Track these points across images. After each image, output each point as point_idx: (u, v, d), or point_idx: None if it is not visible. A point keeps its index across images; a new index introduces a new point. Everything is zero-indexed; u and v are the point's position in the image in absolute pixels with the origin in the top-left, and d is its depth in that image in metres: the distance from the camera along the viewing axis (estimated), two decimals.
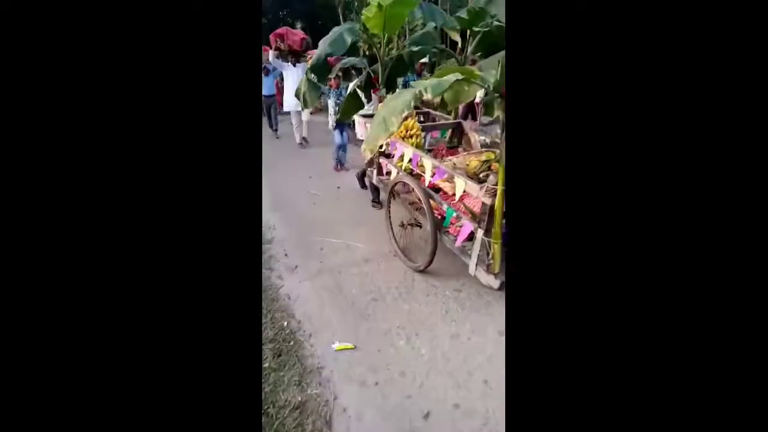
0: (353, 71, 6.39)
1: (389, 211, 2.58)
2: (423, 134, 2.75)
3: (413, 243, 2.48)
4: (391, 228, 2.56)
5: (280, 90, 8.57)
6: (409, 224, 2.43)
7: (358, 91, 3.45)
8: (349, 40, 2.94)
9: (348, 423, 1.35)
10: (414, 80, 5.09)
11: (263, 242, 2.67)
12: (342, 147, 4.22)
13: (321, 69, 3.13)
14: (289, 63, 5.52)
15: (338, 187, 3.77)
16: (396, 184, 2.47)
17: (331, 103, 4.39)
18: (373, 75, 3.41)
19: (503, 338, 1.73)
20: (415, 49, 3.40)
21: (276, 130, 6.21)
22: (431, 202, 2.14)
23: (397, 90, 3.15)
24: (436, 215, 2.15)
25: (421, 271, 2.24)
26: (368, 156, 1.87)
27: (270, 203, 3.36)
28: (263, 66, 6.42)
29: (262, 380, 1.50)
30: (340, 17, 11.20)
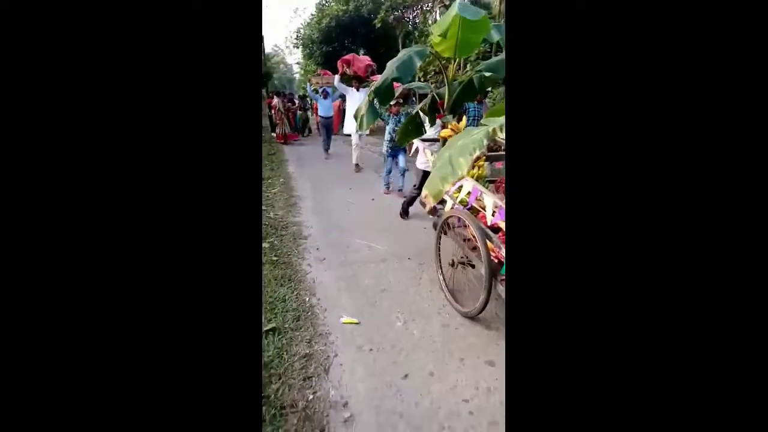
0: (414, 97, 6.30)
1: (439, 245, 2.35)
2: (486, 164, 2.43)
3: (464, 283, 2.25)
4: (440, 264, 2.33)
5: (341, 113, 9.24)
6: (460, 263, 2.16)
7: (421, 115, 3.21)
8: (418, 63, 2.71)
9: (341, 374, 1.67)
10: (473, 107, 4.86)
11: (300, 237, 3.15)
12: (402, 171, 4.22)
13: (385, 92, 2.83)
14: (353, 88, 5.75)
15: (372, 199, 4.22)
16: (450, 217, 2.20)
17: (388, 128, 4.23)
18: (438, 99, 3.17)
19: (488, 332, 1.95)
20: (487, 74, 3.07)
21: (327, 150, 6.64)
22: (489, 243, 1.84)
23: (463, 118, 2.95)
24: (492, 258, 1.81)
25: (472, 318, 2.00)
26: (430, 203, 1.66)
27: (311, 209, 3.88)
28: (323, 89, 7.09)
29: (281, 336, 1.89)
30: (400, 46, 11.94)
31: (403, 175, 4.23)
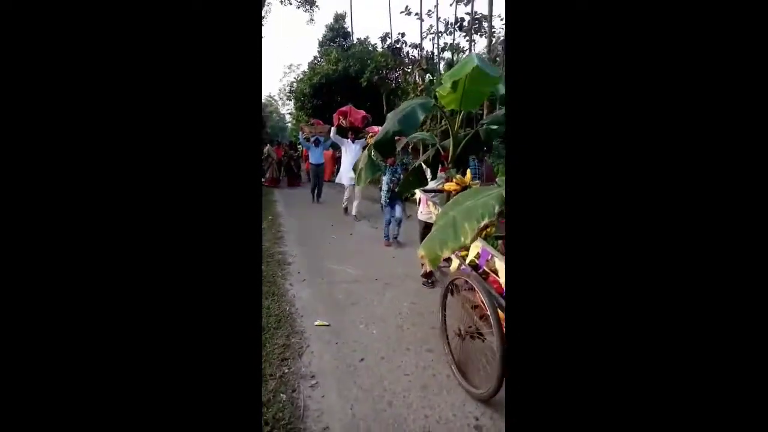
0: (408, 149, 6.54)
1: (444, 312, 2.07)
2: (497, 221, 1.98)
3: (473, 356, 1.96)
4: (446, 334, 2.02)
5: (335, 161, 9.53)
6: (468, 334, 1.88)
7: (423, 167, 3.09)
8: (421, 116, 2.55)
9: (312, 358, 2.12)
10: (474, 165, 4.00)
11: (284, 264, 3.64)
12: (398, 221, 4.19)
13: (386, 146, 2.64)
14: (348, 140, 5.76)
15: (350, 234, 4.78)
16: (456, 278, 1.95)
17: (385, 179, 4.13)
18: (442, 152, 3.00)
19: (433, 330, 2.43)
20: (494, 127, 2.94)
21: (316, 196, 6.76)
22: (500, 313, 1.56)
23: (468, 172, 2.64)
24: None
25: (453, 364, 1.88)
26: (429, 267, 1.44)
27: (296, 241, 4.41)
28: (315, 138, 7.31)
29: (265, 332, 2.33)
30: (384, 102, 13.06)
31: (399, 225, 4.22)
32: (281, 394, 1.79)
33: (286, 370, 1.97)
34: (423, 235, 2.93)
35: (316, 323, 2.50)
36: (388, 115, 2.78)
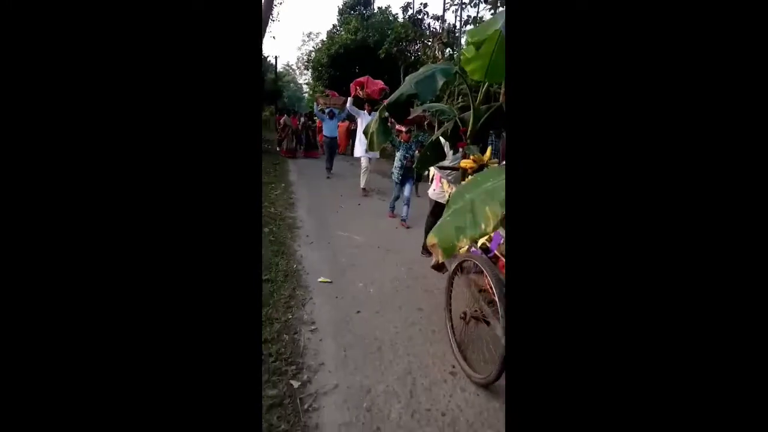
0: (427, 125, 5.92)
1: (450, 292, 2.05)
2: None
3: (476, 340, 1.95)
4: (450, 314, 2.02)
5: (349, 133, 9.39)
6: (473, 317, 1.85)
7: (442, 141, 2.87)
8: (441, 82, 2.32)
9: (313, 308, 2.37)
10: (492, 140, 3.74)
11: (294, 227, 3.89)
12: (406, 201, 4.07)
13: (400, 108, 2.40)
14: (364, 111, 5.64)
15: (358, 204, 4.99)
16: (465, 260, 1.91)
17: (398, 155, 4.05)
18: (461, 126, 2.78)
19: (426, 293, 2.65)
20: None
21: (329, 169, 6.79)
22: None
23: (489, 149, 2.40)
24: None
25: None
26: (438, 257, 1.29)
27: (306, 208, 4.65)
28: (330, 110, 7.29)
29: (273, 284, 2.59)
30: (401, 75, 12.84)
31: (407, 204, 4.11)
32: (284, 335, 2.05)
33: (290, 317, 2.23)
34: (434, 215, 2.86)
35: (320, 280, 2.75)
36: (406, 78, 2.55)
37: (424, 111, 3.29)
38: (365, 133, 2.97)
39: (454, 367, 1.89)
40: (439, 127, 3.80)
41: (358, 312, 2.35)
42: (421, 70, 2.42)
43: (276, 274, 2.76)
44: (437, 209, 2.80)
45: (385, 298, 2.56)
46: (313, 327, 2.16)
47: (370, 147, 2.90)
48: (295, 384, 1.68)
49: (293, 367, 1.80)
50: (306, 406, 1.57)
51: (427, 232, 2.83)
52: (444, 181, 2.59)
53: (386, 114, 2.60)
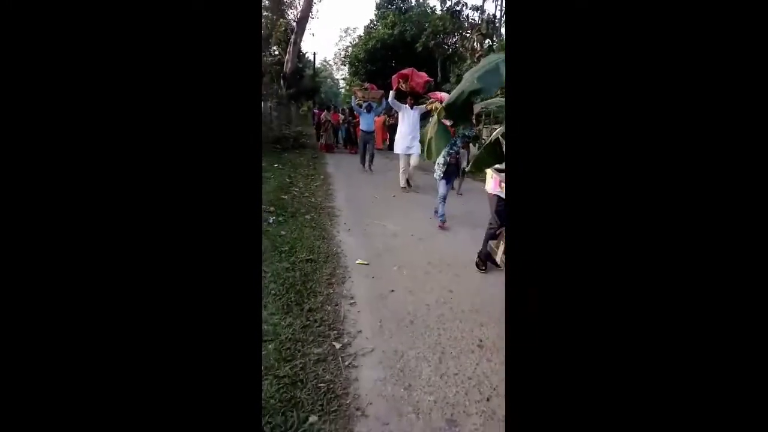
0: (481, 117, 5.68)
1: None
2: None
3: None
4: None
5: (387, 128, 9.31)
6: None
7: (501, 140, 2.63)
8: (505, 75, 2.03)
9: (351, 285, 2.61)
10: None
11: (333, 216, 4.16)
12: (442, 198, 3.84)
13: (460, 110, 2.13)
14: (407, 105, 5.28)
15: (393, 196, 5.20)
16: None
17: (443, 152, 3.76)
18: None
19: (454, 277, 2.80)
20: None
21: (364, 163, 6.66)
22: None
23: None
24: None
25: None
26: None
27: (344, 198, 4.93)
28: (367, 103, 7.21)
29: (315, 264, 2.85)
30: (439, 68, 12.75)
31: (443, 201, 3.90)
32: (327, 306, 2.30)
33: (331, 291, 2.48)
34: (497, 213, 2.65)
35: (357, 262, 2.98)
36: (465, 74, 2.26)
37: (482, 108, 2.99)
38: (421, 140, 2.83)
39: (481, 341, 2.04)
40: (491, 120, 3.61)
41: (392, 291, 2.56)
42: (482, 62, 2.22)
43: (318, 255, 3.03)
44: (500, 205, 2.61)
45: (418, 280, 2.74)
46: (351, 301, 2.39)
47: (427, 156, 2.77)
48: (337, 345, 1.92)
49: (335, 332, 2.04)
50: (347, 363, 1.80)
51: (487, 242, 2.80)
52: (504, 185, 2.41)
53: (445, 116, 2.30)
